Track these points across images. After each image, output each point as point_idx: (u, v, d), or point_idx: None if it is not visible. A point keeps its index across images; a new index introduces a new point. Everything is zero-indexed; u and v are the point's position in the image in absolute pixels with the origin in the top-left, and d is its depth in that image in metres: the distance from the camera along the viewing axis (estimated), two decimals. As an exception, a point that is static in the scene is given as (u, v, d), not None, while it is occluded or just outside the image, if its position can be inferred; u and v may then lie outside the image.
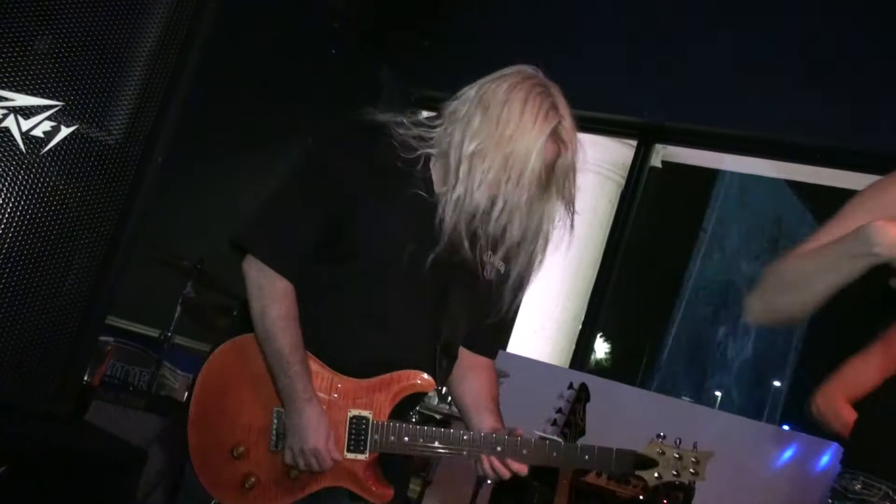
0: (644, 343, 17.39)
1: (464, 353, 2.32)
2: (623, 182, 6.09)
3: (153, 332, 5.12)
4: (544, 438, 3.90)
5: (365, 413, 2.11)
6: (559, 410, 3.46)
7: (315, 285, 2.11)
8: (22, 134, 2.58)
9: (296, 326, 2.08)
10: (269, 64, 5.94)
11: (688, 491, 3.77)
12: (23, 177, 2.59)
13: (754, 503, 4.09)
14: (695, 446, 2.19)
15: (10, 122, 2.56)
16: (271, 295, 2.07)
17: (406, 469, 2.34)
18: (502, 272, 2.20)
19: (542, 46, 5.80)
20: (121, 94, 2.74)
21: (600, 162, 6.36)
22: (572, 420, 3.43)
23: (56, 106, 2.63)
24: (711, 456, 2.17)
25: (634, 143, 5.91)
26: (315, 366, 2.11)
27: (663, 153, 6.01)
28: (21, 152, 2.59)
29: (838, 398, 2.72)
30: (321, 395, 2.10)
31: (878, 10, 4.92)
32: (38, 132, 2.60)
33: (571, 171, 2.14)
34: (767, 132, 5.28)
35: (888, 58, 4.84)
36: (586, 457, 2.17)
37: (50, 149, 2.63)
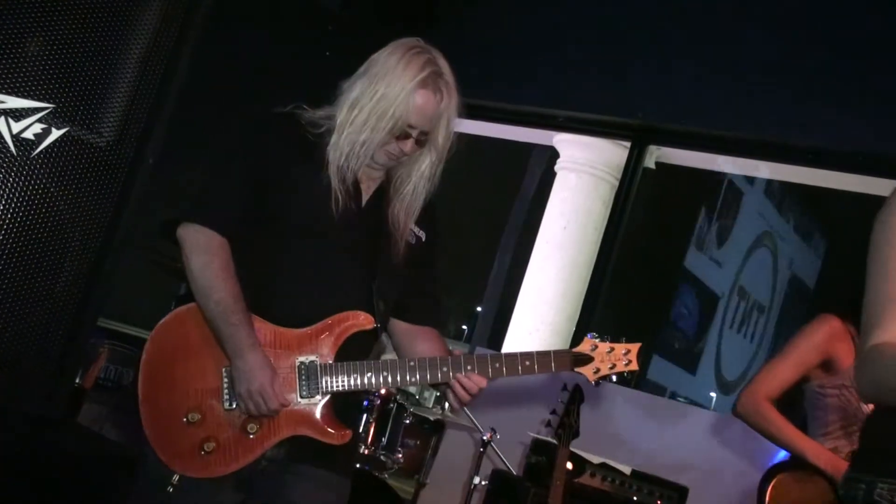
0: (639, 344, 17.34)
1: (405, 327, 2.40)
2: (617, 183, 6.09)
3: (147, 335, 5.10)
4: (539, 440, 3.91)
5: (311, 357, 2.17)
6: (553, 412, 3.47)
7: (248, 247, 2.20)
8: (12, 136, 2.58)
9: (235, 279, 2.15)
10: (263, 65, 5.93)
11: (682, 491, 3.78)
12: (13, 179, 2.59)
13: (748, 502, 4.09)
14: (623, 340, 2.28)
15: (0, 124, 2.56)
16: (209, 249, 2.16)
17: (356, 415, 2.39)
18: (423, 240, 2.34)
19: (535, 48, 5.80)
20: (112, 96, 2.74)
21: (594, 163, 6.36)
22: (566, 421, 3.43)
23: (47, 108, 2.63)
24: (640, 345, 2.27)
25: (628, 144, 5.91)
26: (257, 323, 2.16)
27: (657, 154, 6.01)
28: (12, 154, 2.59)
29: (759, 397, 2.97)
30: (266, 348, 2.15)
31: (876, 11, 4.93)
32: (28, 134, 2.60)
33: (445, 121, 2.23)
34: (761, 134, 5.28)
35: (884, 59, 4.85)
36: (527, 362, 2.21)
37: (41, 151, 2.62)
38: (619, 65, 5.62)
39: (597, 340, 2.28)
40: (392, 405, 4.00)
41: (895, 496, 1.59)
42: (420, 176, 2.30)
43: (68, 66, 2.67)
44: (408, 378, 2.20)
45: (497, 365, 2.22)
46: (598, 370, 2.25)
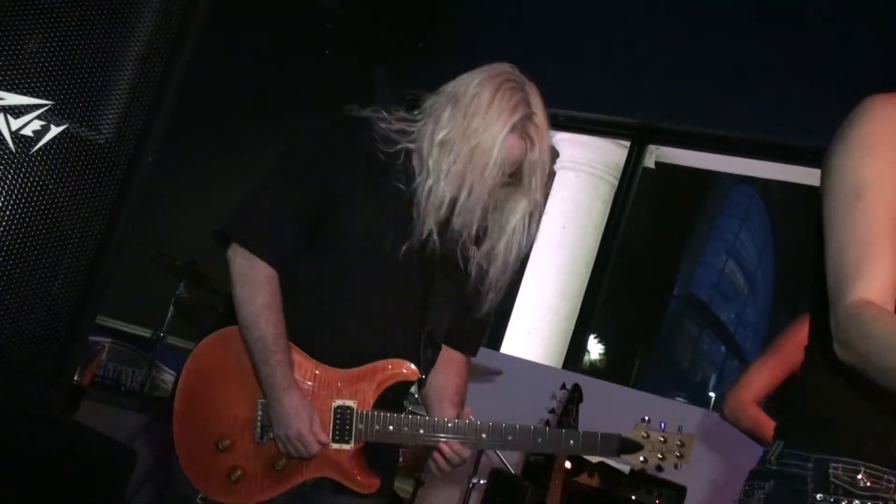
0: (638, 343, 17.42)
1: (443, 349, 2.32)
2: (616, 183, 6.10)
3: (146, 333, 5.11)
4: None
5: (349, 403, 2.10)
6: (552, 411, 3.46)
7: (298, 275, 2.12)
8: (11, 133, 2.57)
9: (279, 315, 2.08)
10: (262, 64, 5.93)
11: (680, 490, 3.78)
12: (12, 176, 2.58)
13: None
14: (679, 430, 2.18)
15: (-1, 121, 2.55)
16: (256, 282, 2.08)
17: (393, 460, 2.32)
18: (484, 268, 2.20)
19: (536, 47, 5.80)
20: (111, 93, 2.73)
21: (594, 162, 6.36)
22: (565, 420, 3.42)
23: (46, 105, 2.62)
24: (695, 439, 2.17)
25: (627, 143, 5.91)
26: (298, 357, 2.11)
27: (656, 154, 6.02)
28: (10, 151, 2.58)
29: (745, 399, 3.00)
30: (305, 385, 2.10)
31: (877, 11, 4.93)
32: (27, 131, 2.59)
33: (538, 168, 2.12)
34: (761, 133, 5.28)
35: (886, 59, 4.85)
36: (571, 441, 2.13)
37: (39, 148, 2.62)
38: (619, 64, 5.63)
39: (649, 429, 2.18)
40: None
41: (854, 478, 1.48)
42: (513, 230, 2.14)
43: (67, 63, 2.66)
44: (443, 440, 2.11)
45: (539, 440, 2.13)
46: (645, 460, 2.16)
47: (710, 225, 17.75)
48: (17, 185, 2.59)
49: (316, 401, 2.10)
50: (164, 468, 3.64)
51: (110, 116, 2.72)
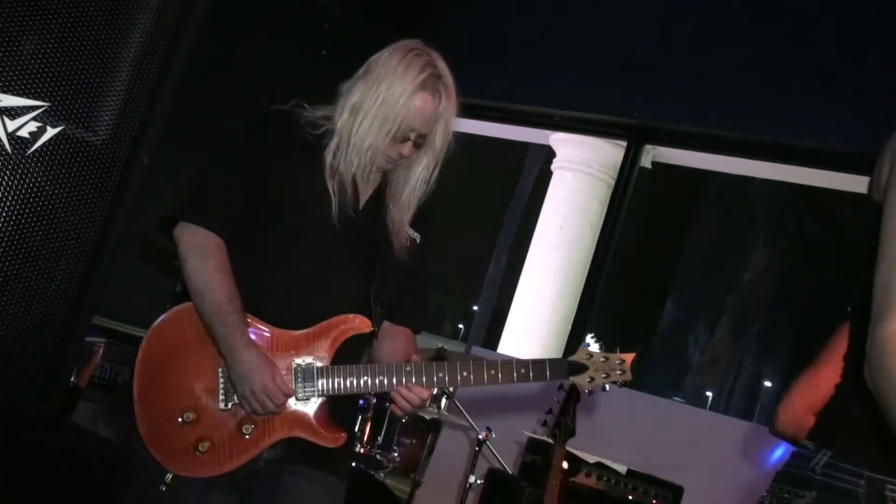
0: (635, 343, 17.41)
1: (385, 325, 2.37)
2: (613, 183, 6.10)
3: (142, 333, 5.09)
4: (535, 440, 3.91)
5: (308, 359, 2.16)
6: (549, 411, 3.47)
7: (245, 247, 2.19)
8: (7, 134, 2.57)
9: (231, 279, 2.14)
10: (258, 64, 5.92)
11: (676, 490, 3.78)
12: (8, 177, 2.58)
13: (743, 502, 4.10)
14: (617, 350, 2.30)
15: (-5, 122, 2.55)
16: (205, 250, 2.15)
17: (352, 422, 2.44)
18: (418, 241, 2.33)
19: (532, 47, 5.80)
20: (107, 95, 2.73)
21: (590, 162, 6.36)
22: (562, 421, 3.43)
23: (42, 106, 2.62)
24: (634, 356, 2.28)
25: (624, 143, 5.91)
26: (254, 323, 2.16)
27: (653, 154, 6.02)
28: (7, 152, 2.58)
29: (800, 410, 2.72)
30: (263, 350, 2.14)
31: (873, 10, 4.93)
32: (23, 133, 2.59)
33: (441, 122, 2.23)
34: (757, 133, 5.29)
35: (882, 58, 4.86)
36: (522, 370, 2.23)
37: (36, 149, 2.62)
38: (616, 64, 5.63)
39: (592, 349, 2.30)
40: (388, 404, 4.00)
41: None
42: (416, 179, 2.29)
43: (64, 65, 2.67)
44: (403, 382, 2.19)
45: (493, 372, 2.23)
46: (592, 379, 2.27)
47: (706, 225, 17.76)
48: (14, 187, 2.59)
49: (275, 362, 2.14)
50: (128, 453, 3.63)
51: (106, 118, 2.73)
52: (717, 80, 5.31)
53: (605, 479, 3.81)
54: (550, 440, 3.46)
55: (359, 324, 2.21)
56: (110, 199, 2.76)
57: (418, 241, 2.35)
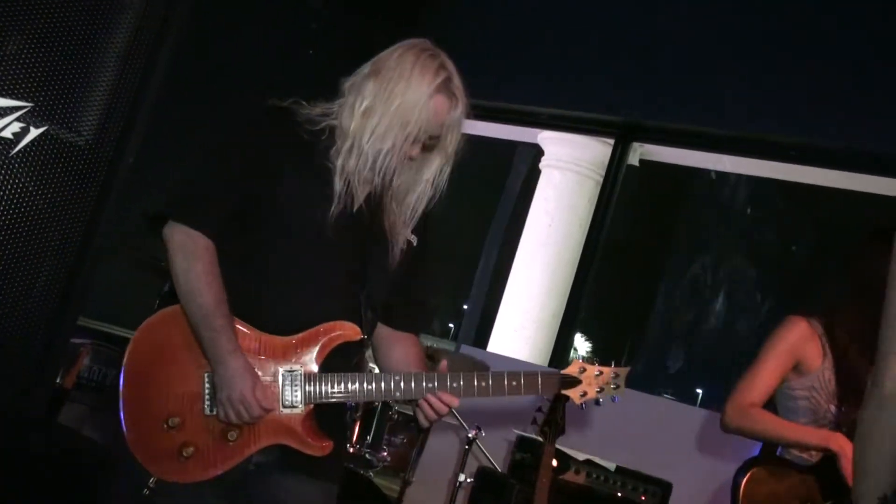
0: (624, 341, 17.45)
1: (387, 332, 2.37)
2: (601, 180, 6.10)
3: (130, 334, 5.07)
4: (524, 438, 3.91)
5: (295, 367, 2.14)
6: (539, 409, 3.46)
7: (236, 249, 2.16)
8: (-9, 135, 2.55)
9: (219, 282, 2.12)
10: (246, 64, 5.90)
11: (665, 486, 3.79)
12: (-8, 178, 2.56)
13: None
14: (612, 364, 2.29)
15: (-22, 123, 2.53)
16: (194, 252, 2.12)
17: (342, 427, 2.38)
18: (414, 244, 2.30)
19: (520, 46, 5.80)
20: (91, 95, 2.72)
21: (578, 160, 6.36)
22: (552, 418, 3.43)
23: (25, 107, 2.61)
24: (629, 369, 2.27)
25: (612, 141, 5.92)
26: (242, 328, 2.14)
27: (641, 151, 6.03)
28: (-10, 154, 2.56)
29: (745, 405, 2.99)
30: (250, 355, 2.12)
31: (860, 6, 4.95)
32: (7, 133, 2.57)
33: (456, 127, 2.21)
34: (744, 130, 5.30)
35: (869, 54, 4.87)
36: (514, 382, 2.22)
37: (19, 150, 2.60)
38: (603, 62, 5.63)
39: (585, 363, 2.29)
40: (377, 404, 4.00)
41: None
42: (426, 183, 2.25)
43: (47, 65, 2.65)
44: (392, 392, 2.17)
45: (483, 384, 2.21)
46: (585, 393, 2.27)
47: (694, 222, 17.83)
48: (-3, 188, 2.57)
49: (262, 368, 2.13)
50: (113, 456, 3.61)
51: (91, 118, 2.71)
52: (704, 78, 5.32)
53: (594, 476, 3.82)
54: (540, 438, 3.46)
55: (349, 332, 2.18)
56: (95, 200, 2.74)
57: (415, 243, 2.31)
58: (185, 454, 2.09)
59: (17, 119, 2.59)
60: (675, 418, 4.84)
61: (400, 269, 2.29)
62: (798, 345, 2.97)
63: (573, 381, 2.27)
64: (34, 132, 2.62)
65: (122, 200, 2.82)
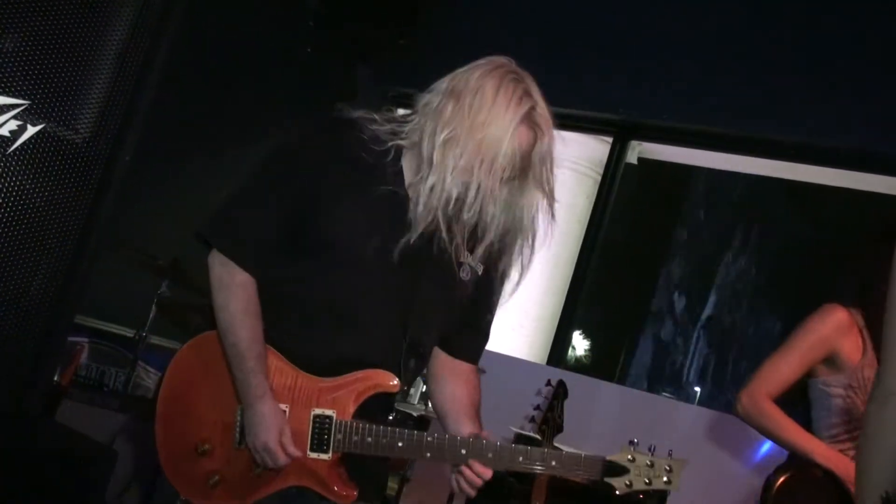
0: (622, 339, 17.47)
1: (445, 359, 2.29)
2: (599, 179, 6.10)
3: (129, 332, 5.08)
4: (522, 436, 3.91)
5: (328, 412, 2.07)
6: (537, 407, 3.47)
7: (280, 281, 2.09)
8: (-13, 133, 2.55)
9: (255, 321, 2.06)
10: (243, 62, 5.90)
11: (663, 487, 3.78)
12: (-12, 176, 2.56)
13: (732, 497, 4.11)
14: (670, 454, 2.12)
15: (-25, 121, 2.53)
16: (231, 288, 2.06)
17: (382, 470, 2.29)
18: (479, 274, 2.17)
19: (518, 44, 5.79)
20: (88, 92, 2.71)
21: (577, 158, 6.36)
22: (550, 417, 3.43)
23: (22, 105, 2.60)
24: (685, 463, 2.09)
25: (610, 139, 5.92)
26: (279, 362, 2.09)
27: (639, 150, 6.03)
28: (-13, 152, 2.56)
29: (760, 395, 2.81)
30: (283, 393, 2.08)
31: (857, 4, 4.95)
32: (3, 131, 2.56)
33: (548, 158, 2.09)
34: (742, 129, 5.30)
35: (864, 52, 4.87)
36: (553, 462, 2.09)
37: (16, 148, 2.59)
38: (601, 60, 5.63)
39: (637, 452, 2.12)
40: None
41: None
42: (517, 219, 2.09)
43: (44, 63, 2.64)
44: (423, 453, 2.08)
45: (521, 459, 2.11)
46: (630, 484, 2.10)
47: (693, 220, 17.84)
48: (-6, 186, 2.56)
49: (295, 408, 2.08)
50: (149, 467, 3.63)
51: (88, 116, 2.70)
52: (703, 76, 5.32)
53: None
54: (538, 436, 3.46)
55: (388, 384, 2.09)
56: (92, 197, 2.74)
57: (480, 272, 2.17)
58: (211, 482, 2.08)
59: (14, 117, 2.58)
60: (674, 417, 4.85)
61: (464, 301, 2.19)
62: (834, 336, 2.77)
63: (620, 470, 2.10)
64: (31, 130, 2.61)
65: (120, 198, 2.81)
